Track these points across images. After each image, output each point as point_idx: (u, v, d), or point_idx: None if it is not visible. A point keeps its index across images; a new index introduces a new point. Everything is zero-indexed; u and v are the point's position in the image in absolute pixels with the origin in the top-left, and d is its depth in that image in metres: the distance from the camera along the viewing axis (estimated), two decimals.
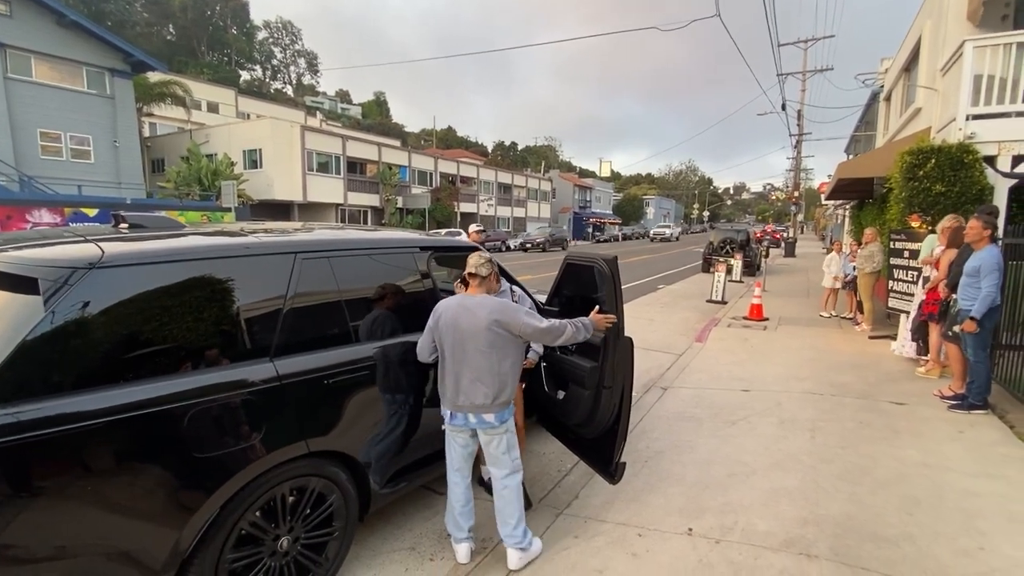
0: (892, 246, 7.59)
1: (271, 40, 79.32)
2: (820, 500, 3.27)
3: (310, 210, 27.94)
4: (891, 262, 7.64)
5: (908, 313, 6.56)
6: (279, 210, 26.72)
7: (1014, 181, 6.86)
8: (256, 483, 2.15)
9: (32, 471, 1.69)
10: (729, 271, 13.43)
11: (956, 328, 4.85)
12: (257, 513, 2.19)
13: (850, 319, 9.19)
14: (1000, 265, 4.57)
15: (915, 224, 7.00)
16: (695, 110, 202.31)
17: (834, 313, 9.72)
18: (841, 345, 7.54)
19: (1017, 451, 3.97)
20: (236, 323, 2.18)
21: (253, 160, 26.79)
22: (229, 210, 21.06)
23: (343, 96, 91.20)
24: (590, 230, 52.72)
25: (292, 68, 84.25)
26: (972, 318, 4.51)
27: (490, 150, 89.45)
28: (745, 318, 9.40)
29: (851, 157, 24.46)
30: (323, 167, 28.32)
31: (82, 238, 2.08)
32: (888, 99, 14.38)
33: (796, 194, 31.47)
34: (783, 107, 23.20)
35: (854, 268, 8.99)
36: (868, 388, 5.50)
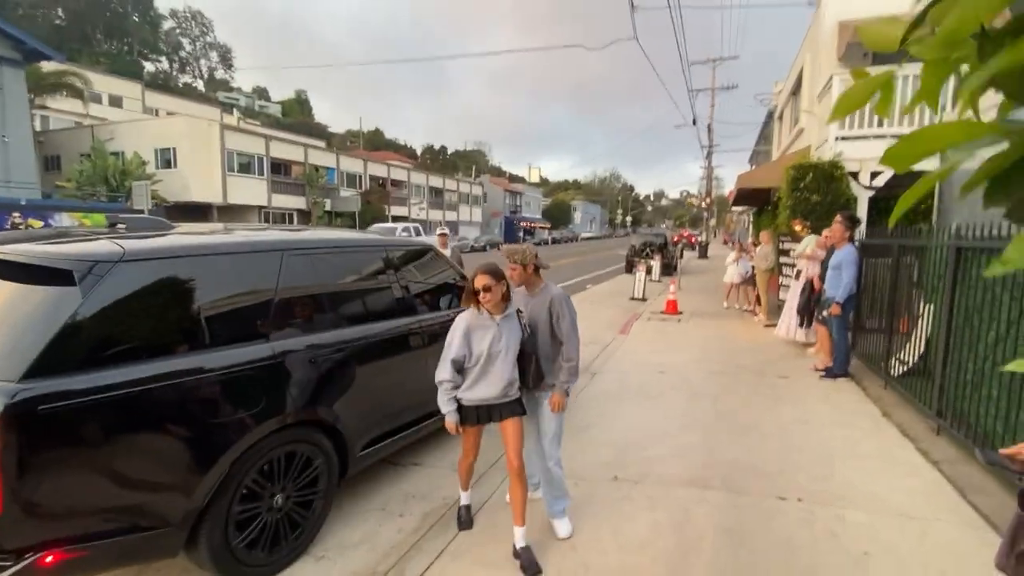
0: (780, 247, 8.86)
1: (179, 30, 74.21)
2: (717, 450, 4.04)
3: (231, 212, 26.68)
4: (780, 260, 8.91)
5: (786, 301, 7.73)
6: (196, 212, 25.32)
7: (872, 192, 8.29)
8: (258, 446, 2.51)
9: (74, 434, 1.98)
10: (649, 271, 14.62)
11: (824, 313, 5.94)
12: (258, 473, 2.54)
13: (749, 311, 10.48)
14: (857, 260, 5.68)
15: (798, 228, 8.24)
16: (619, 119, 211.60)
17: (737, 306, 11.02)
18: (741, 333, 8.67)
19: (866, 407, 5.01)
20: (238, 309, 2.53)
21: (167, 159, 25.22)
22: (142, 212, 19.81)
23: (261, 93, 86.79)
24: (521, 234, 53.91)
25: (203, 61, 79.28)
26: (837, 303, 5.58)
27: (419, 153, 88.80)
28: (662, 312, 10.43)
29: (753, 168, 27.09)
30: (245, 168, 27.16)
31: (96, 236, 2.35)
32: (780, 118, 16.30)
33: (708, 200, 34.22)
34: (694, 122, 25.30)
35: (752, 267, 10.28)
36: (761, 366, 6.51)
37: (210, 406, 2.35)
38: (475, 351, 2.67)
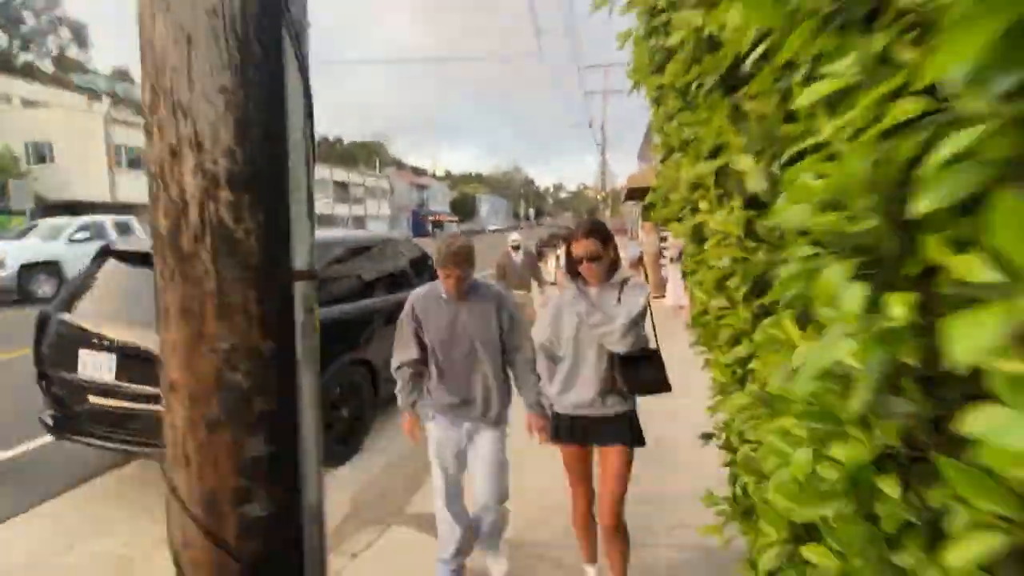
0: (660, 234, 11.17)
1: (19, 1, 64.71)
2: None
3: (121, 211, 24.89)
4: (660, 246, 11.23)
5: (667, 277, 10.01)
6: (80, 212, 23.37)
7: None
8: (339, 372, 3.82)
9: None
10: (558, 259, 16.68)
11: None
12: (337, 390, 3.85)
13: None
14: None
15: None
16: (520, 111, 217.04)
17: None
18: None
19: None
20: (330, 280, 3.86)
21: (41, 154, 23.02)
22: (23, 214, 18.30)
23: (122, 75, 78.20)
24: (430, 227, 54.65)
25: (51, 38, 69.77)
26: None
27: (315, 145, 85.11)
28: None
29: (641, 164, 30.50)
30: (135, 163, 25.43)
31: None
32: None
33: (603, 194, 37.63)
34: (589, 125, 28.06)
35: (640, 251, 12.60)
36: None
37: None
38: (563, 335, 2.12)
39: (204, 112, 1.08)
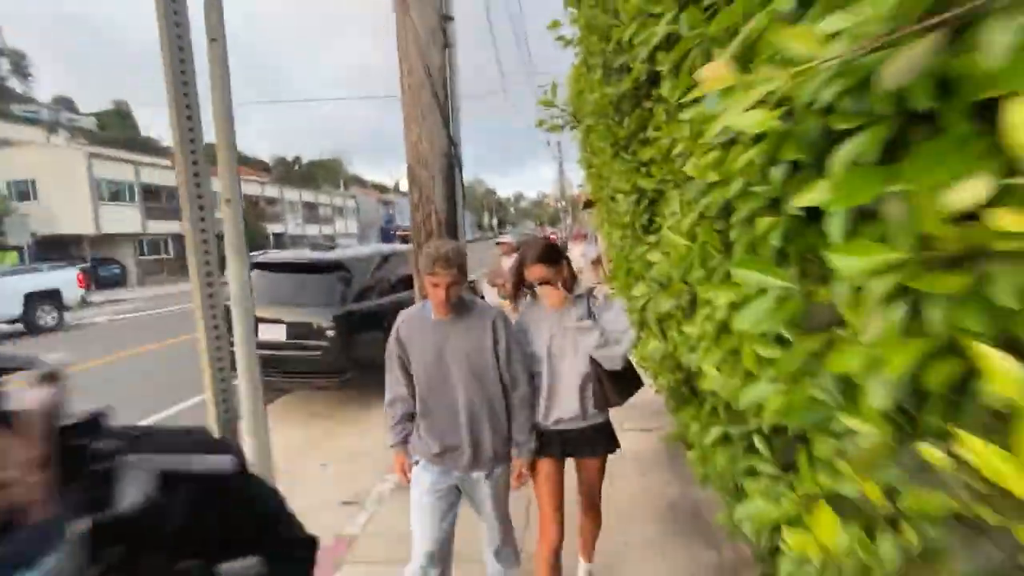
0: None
1: None
2: None
3: (105, 243, 25.75)
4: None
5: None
6: (66, 245, 24.22)
7: None
8: None
9: (358, 324, 5.26)
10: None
11: None
12: None
13: (597, 283, 15.27)
14: None
15: None
16: (479, 124, 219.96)
17: (596, 282, 15.76)
18: None
19: None
20: (389, 278, 5.91)
21: (22, 191, 23.77)
22: (16, 249, 19.23)
23: (66, 103, 76.24)
24: (398, 242, 56.03)
25: None
26: None
27: (272, 165, 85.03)
28: None
29: None
30: (116, 195, 26.32)
31: (331, 250, 5.60)
32: None
33: (562, 203, 40.43)
34: (548, 142, 30.69)
35: (598, 252, 15.02)
36: None
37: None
38: (536, 352, 2.10)
39: (438, 204, 3.28)
